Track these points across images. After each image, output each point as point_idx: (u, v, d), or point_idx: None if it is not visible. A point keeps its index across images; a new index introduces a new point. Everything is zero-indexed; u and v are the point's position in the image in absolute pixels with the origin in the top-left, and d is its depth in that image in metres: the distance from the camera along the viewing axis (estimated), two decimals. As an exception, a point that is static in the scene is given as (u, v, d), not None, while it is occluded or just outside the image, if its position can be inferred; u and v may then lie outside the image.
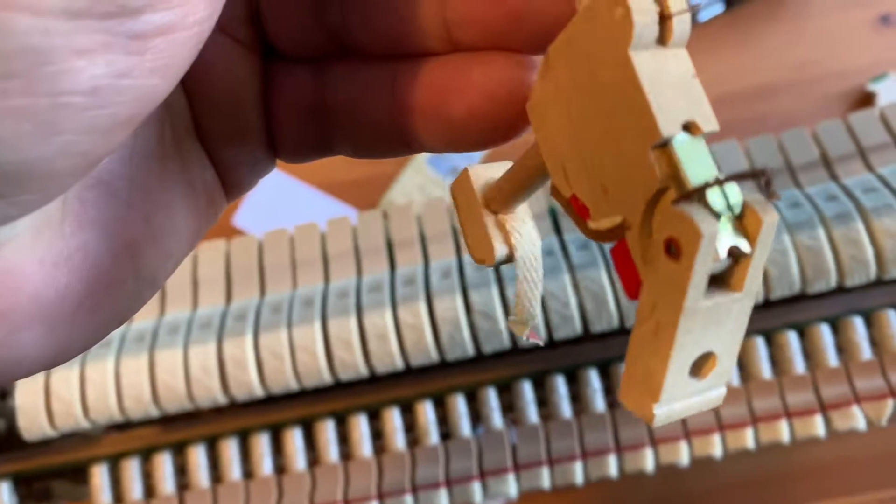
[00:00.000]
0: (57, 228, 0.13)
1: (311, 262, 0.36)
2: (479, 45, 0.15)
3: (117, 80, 0.11)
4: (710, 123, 0.12)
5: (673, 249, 0.11)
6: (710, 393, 0.13)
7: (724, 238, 0.12)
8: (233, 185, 0.17)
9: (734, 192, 0.12)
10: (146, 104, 0.12)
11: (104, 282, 0.14)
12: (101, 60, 0.10)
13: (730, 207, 0.12)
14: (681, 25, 0.12)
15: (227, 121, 0.16)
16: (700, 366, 0.13)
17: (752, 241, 0.12)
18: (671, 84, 0.12)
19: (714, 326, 0.12)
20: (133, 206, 0.15)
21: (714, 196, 0.11)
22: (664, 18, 0.12)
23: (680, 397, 0.12)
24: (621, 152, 0.12)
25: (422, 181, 0.48)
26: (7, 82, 0.10)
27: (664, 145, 0.12)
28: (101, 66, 0.10)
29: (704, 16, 0.51)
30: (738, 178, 0.12)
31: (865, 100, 0.49)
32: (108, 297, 0.14)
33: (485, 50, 0.15)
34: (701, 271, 0.11)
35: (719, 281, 0.12)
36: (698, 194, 0.11)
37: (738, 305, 0.12)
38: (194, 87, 0.16)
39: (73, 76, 0.10)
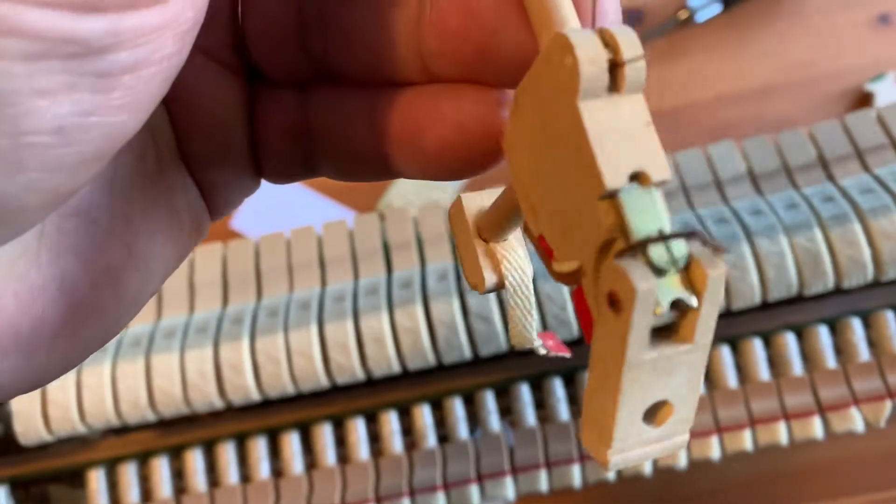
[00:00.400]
0: (33, 259, 0.13)
1: (308, 266, 0.36)
2: (453, 77, 0.15)
3: (83, 118, 0.11)
4: (661, 173, 0.12)
5: (614, 303, 0.11)
6: (671, 440, 0.13)
7: (668, 292, 0.11)
8: (217, 205, 0.17)
9: (679, 246, 0.11)
10: (115, 140, 0.12)
11: (83, 309, 0.14)
12: (66, 100, 0.10)
13: (674, 262, 0.11)
14: (634, 73, 0.12)
15: (213, 143, 0.16)
16: (654, 414, 0.12)
17: (698, 295, 0.11)
18: (622, 133, 0.12)
19: (665, 376, 0.12)
20: (113, 234, 0.15)
21: (656, 251, 0.11)
22: (618, 66, 0.12)
23: (635, 444, 0.12)
24: (573, 200, 0.12)
25: (419, 184, 0.48)
26: None
27: (611, 196, 0.11)
28: (66, 106, 0.10)
29: (702, 16, 0.51)
30: (677, 237, 0.11)
31: (863, 100, 0.49)
32: (87, 323, 0.14)
33: (459, 82, 0.15)
34: (640, 326, 0.11)
35: (669, 331, 0.12)
36: (641, 248, 0.11)
37: (691, 357, 0.12)
38: (180, 111, 0.16)
39: (36, 116, 0.10)
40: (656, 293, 0.11)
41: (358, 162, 0.16)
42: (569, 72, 0.12)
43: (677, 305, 0.12)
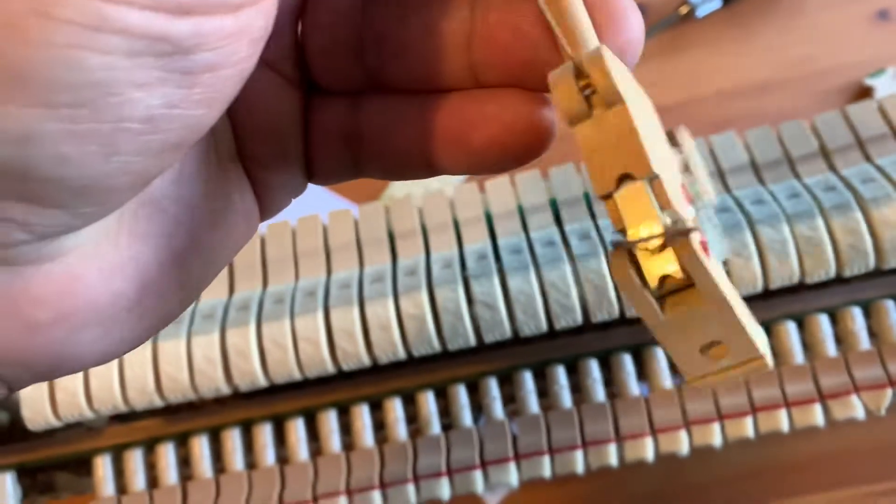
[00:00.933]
0: (114, 241, 0.15)
1: (314, 254, 0.36)
2: (498, 84, 0.17)
3: (169, 109, 0.12)
4: (643, 171, 0.14)
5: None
6: (745, 366, 0.15)
7: (657, 270, 0.14)
8: (268, 204, 0.19)
9: (654, 233, 0.14)
10: (194, 131, 0.13)
11: (152, 290, 0.16)
12: (157, 93, 0.12)
13: (656, 246, 0.14)
14: (608, 95, 0.14)
15: (270, 147, 0.18)
16: (709, 349, 0.15)
17: (683, 268, 0.14)
18: (608, 144, 0.14)
19: (700, 325, 0.14)
20: (180, 223, 0.16)
21: (637, 243, 0.14)
22: (595, 91, 0.14)
23: (710, 373, 0.15)
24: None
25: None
26: (77, 110, 0.11)
27: (608, 197, 0.14)
28: (157, 98, 0.12)
29: (702, 11, 0.51)
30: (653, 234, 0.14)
31: (863, 95, 0.49)
32: (154, 303, 0.16)
33: (504, 87, 0.17)
34: (639, 301, 0.14)
35: (688, 292, 0.14)
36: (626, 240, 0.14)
37: (711, 309, 0.14)
38: (243, 116, 0.17)
39: (132, 105, 0.12)
40: (632, 278, 0.14)
41: (405, 161, 0.18)
42: (556, 104, 0.14)
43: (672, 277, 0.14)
